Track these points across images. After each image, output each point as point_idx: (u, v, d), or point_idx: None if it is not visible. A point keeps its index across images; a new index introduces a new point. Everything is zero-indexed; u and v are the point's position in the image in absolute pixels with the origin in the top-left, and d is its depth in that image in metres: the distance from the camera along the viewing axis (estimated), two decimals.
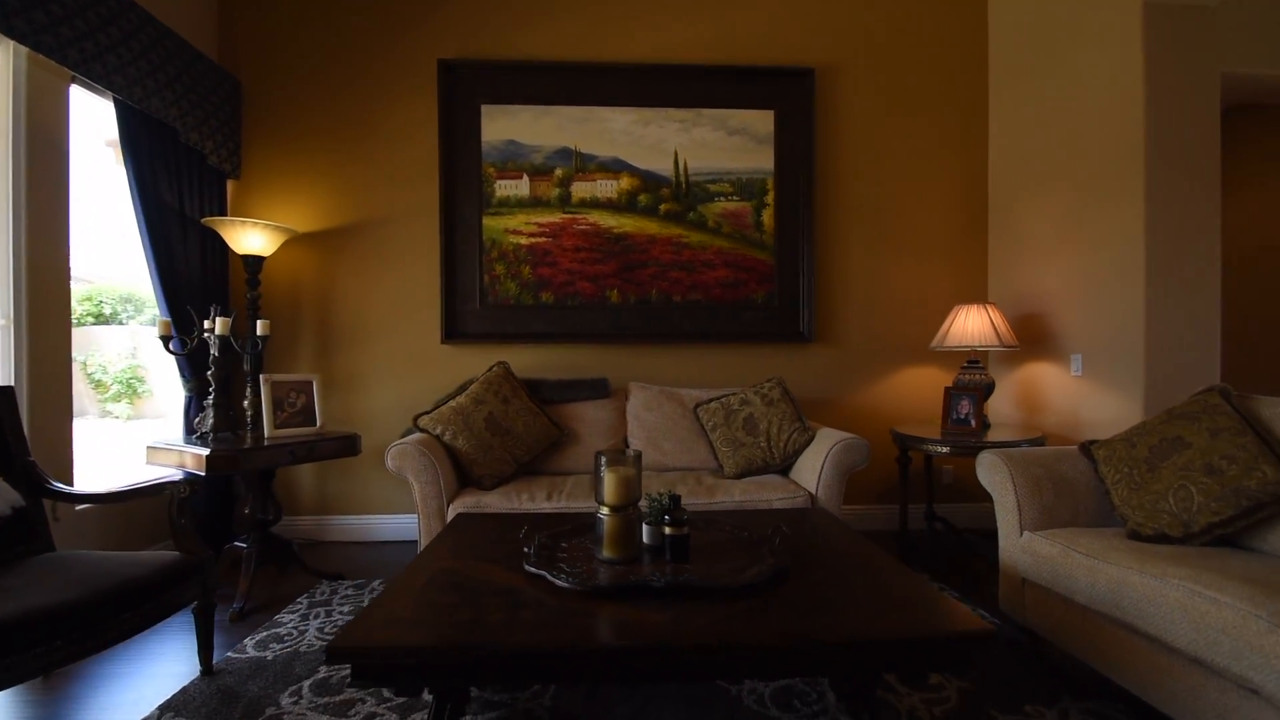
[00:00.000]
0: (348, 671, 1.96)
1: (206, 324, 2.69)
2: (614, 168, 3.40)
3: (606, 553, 1.62)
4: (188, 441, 2.68)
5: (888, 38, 3.53)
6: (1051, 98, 3.12)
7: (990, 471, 2.24)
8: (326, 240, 3.36)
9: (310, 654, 2.09)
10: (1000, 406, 3.47)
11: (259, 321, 2.85)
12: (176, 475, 2.90)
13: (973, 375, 3.08)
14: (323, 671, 1.98)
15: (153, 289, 2.77)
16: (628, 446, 3.10)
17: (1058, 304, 3.10)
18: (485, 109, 3.37)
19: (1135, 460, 2.03)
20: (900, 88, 3.54)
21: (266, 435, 2.72)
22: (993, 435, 2.91)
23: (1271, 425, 1.84)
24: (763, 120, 3.44)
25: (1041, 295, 3.20)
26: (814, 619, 1.31)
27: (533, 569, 1.53)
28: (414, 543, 3.29)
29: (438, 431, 2.73)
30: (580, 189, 3.40)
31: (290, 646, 2.15)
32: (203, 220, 2.90)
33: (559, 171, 3.39)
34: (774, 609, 1.35)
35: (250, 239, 2.94)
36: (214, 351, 2.63)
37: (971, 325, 3.05)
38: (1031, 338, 3.23)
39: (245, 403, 2.93)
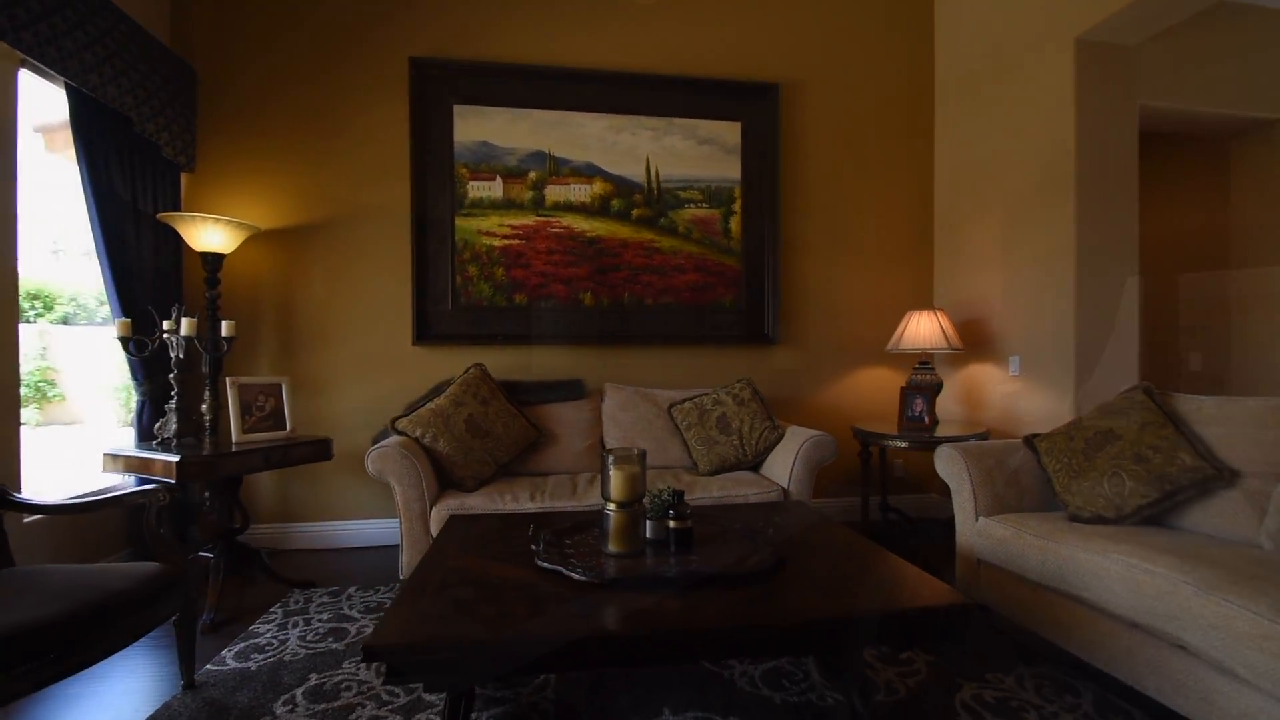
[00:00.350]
0: (341, 677, 1.95)
1: (166, 324, 2.57)
2: (587, 172, 3.46)
3: (613, 547, 1.69)
4: (140, 447, 2.57)
5: (846, 59, 3.75)
6: (991, 121, 3.40)
7: (948, 464, 2.44)
8: (290, 238, 3.25)
9: (296, 663, 2.05)
10: (946, 404, 3.74)
11: (224, 322, 2.74)
12: (130, 483, 2.77)
13: (924, 376, 3.32)
14: (313, 679, 1.95)
15: (105, 288, 2.62)
16: (604, 446, 3.16)
17: (998, 310, 3.39)
18: (458, 109, 3.36)
19: (1074, 451, 2.27)
20: (857, 106, 3.76)
21: (234, 440, 2.62)
22: (942, 431, 3.16)
23: (1187, 418, 2.12)
24: (730, 131, 3.59)
25: (983, 302, 3.49)
26: (821, 599, 1.43)
27: (546, 564, 1.58)
28: (384, 548, 3.24)
29: (417, 434, 2.71)
30: (554, 192, 3.43)
31: (273, 656, 2.09)
32: (159, 216, 2.75)
33: (533, 174, 3.41)
34: (782, 592, 1.46)
35: (210, 236, 2.82)
36: (178, 354, 2.52)
37: (923, 329, 3.28)
38: (974, 341, 3.51)
39: (204, 407, 2.80)
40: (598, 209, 3.47)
